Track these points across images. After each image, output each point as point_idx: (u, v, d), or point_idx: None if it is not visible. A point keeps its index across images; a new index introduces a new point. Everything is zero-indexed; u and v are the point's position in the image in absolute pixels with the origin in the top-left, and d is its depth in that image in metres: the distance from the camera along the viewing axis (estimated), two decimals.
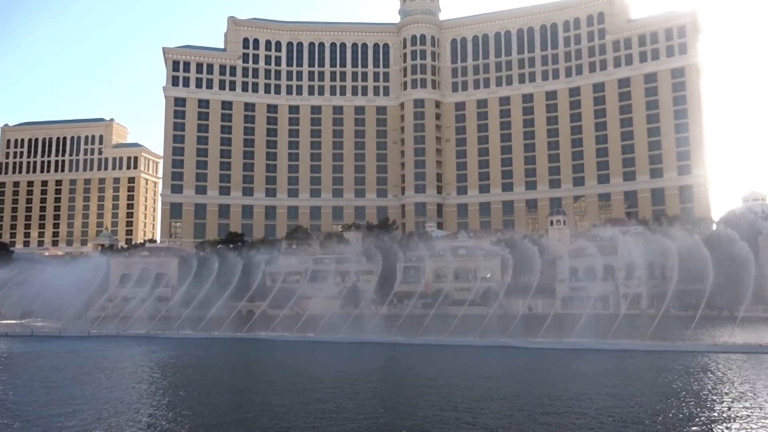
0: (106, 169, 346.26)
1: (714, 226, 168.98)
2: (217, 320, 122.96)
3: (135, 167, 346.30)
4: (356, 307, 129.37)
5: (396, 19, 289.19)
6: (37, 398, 53.46)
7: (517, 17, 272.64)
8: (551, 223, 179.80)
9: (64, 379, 65.00)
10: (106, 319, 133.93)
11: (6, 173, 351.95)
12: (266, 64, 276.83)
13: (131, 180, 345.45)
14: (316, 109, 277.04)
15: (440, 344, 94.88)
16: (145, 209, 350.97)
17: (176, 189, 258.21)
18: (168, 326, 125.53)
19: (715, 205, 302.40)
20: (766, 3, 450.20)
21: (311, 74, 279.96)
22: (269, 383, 63.31)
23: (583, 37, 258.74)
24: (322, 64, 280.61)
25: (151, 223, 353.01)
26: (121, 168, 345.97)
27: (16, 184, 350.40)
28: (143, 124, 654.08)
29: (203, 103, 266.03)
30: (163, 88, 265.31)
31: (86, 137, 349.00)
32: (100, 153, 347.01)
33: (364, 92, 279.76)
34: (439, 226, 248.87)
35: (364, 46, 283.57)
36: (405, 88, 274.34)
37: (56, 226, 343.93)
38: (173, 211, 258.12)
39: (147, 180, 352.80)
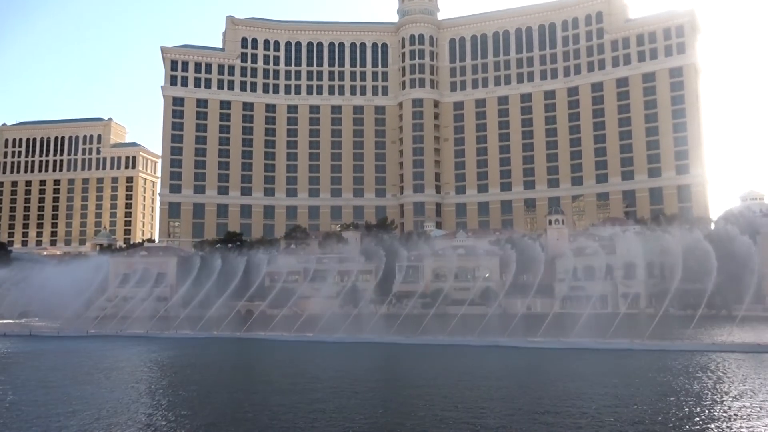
0: (104, 168, 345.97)
1: (712, 226, 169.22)
2: (216, 320, 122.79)
3: (133, 167, 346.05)
4: (355, 307, 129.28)
5: (394, 18, 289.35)
6: (36, 398, 53.33)
7: (516, 17, 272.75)
8: (550, 223, 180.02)
9: (63, 379, 64.86)
10: (105, 318, 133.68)
11: (4, 173, 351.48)
12: (265, 63, 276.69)
13: (129, 179, 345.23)
14: (314, 109, 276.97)
15: (439, 344, 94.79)
16: (144, 209, 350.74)
17: (175, 188, 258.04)
18: (167, 326, 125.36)
19: (713, 205, 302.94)
20: (765, 3, 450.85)
21: (310, 74, 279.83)
22: (268, 383, 63.23)
23: (581, 36, 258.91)
24: (320, 63, 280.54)
25: (149, 223, 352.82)
26: (119, 167, 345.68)
27: (14, 183, 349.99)
28: (141, 123, 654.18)
29: (202, 103, 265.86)
30: (162, 87, 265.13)
31: (84, 137, 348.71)
32: (99, 152, 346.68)
33: (363, 92, 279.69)
34: (438, 225, 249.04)
35: (363, 45, 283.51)
36: (403, 88, 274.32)
37: (54, 225, 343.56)
38: (172, 211, 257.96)
39: (145, 179, 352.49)
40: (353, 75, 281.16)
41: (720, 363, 70.76)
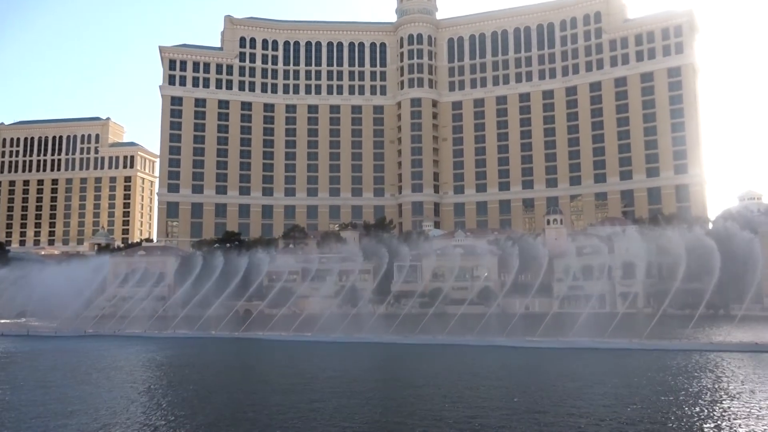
0: (102, 168, 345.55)
1: (710, 225, 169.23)
2: (214, 320, 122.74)
3: (131, 166, 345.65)
4: (354, 307, 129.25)
5: (393, 18, 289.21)
6: (35, 398, 53.24)
7: (514, 16, 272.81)
8: (548, 223, 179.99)
9: (62, 379, 64.77)
10: (103, 318, 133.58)
11: (2, 172, 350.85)
12: (263, 63, 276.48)
13: (128, 179, 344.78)
14: (312, 108, 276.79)
15: (438, 344, 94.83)
16: (142, 208, 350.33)
17: (173, 188, 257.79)
18: (165, 326, 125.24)
19: (711, 205, 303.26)
20: (763, 2, 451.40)
21: (308, 73, 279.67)
22: (266, 383, 63.18)
23: (579, 36, 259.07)
24: (319, 63, 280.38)
25: (147, 223, 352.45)
26: (117, 167, 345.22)
27: (12, 183, 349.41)
28: (140, 123, 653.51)
29: (200, 102, 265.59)
30: (160, 87, 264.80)
31: (82, 136, 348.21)
32: (97, 152, 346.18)
33: (361, 91, 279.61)
34: (436, 225, 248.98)
35: (361, 45, 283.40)
36: (402, 88, 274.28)
37: (52, 225, 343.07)
38: (170, 211, 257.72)
39: (143, 179, 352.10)
40: (352, 75, 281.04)
41: (718, 362, 70.89)
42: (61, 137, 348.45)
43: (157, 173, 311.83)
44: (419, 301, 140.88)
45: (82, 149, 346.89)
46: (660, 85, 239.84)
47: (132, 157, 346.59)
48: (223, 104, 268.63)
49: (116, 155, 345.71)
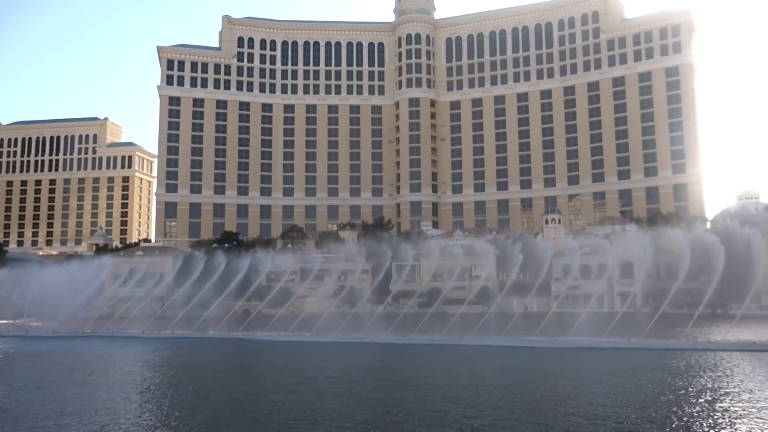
0: (100, 168, 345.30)
1: (708, 225, 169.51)
2: (213, 320, 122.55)
3: (129, 166, 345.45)
4: (353, 307, 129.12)
5: (391, 18, 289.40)
6: (33, 398, 53.11)
7: (512, 16, 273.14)
8: (546, 222, 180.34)
9: (60, 379, 64.60)
10: (101, 319, 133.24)
11: (0, 173, 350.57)
12: (261, 63, 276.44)
13: (125, 179, 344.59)
14: (311, 108, 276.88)
15: (437, 344, 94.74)
16: (140, 208, 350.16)
17: (171, 188, 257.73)
18: (163, 326, 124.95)
19: (709, 204, 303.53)
20: (761, 2, 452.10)
21: (306, 73, 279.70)
22: (265, 383, 63.08)
23: (577, 36, 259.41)
24: (317, 63, 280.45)
25: (145, 223, 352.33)
26: (115, 167, 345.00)
27: (9, 183, 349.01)
28: (137, 123, 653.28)
29: (198, 102, 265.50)
30: (158, 87, 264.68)
31: (80, 136, 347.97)
32: (94, 152, 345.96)
33: (359, 91, 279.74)
34: (435, 225, 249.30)
35: (359, 45, 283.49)
36: (400, 87, 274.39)
37: (50, 225, 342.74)
38: (168, 211, 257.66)
39: (141, 179, 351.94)
40: (350, 74, 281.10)
41: (717, 362, 70.90)
42: (58, 137, 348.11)
43: (155, 173, 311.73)
44: (418, 301, 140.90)
45: (79, 149, 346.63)
46: (658, 84, 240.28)
47: (130, 158, 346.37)
48: (221, 104, 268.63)
49: (114, 155, 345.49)
